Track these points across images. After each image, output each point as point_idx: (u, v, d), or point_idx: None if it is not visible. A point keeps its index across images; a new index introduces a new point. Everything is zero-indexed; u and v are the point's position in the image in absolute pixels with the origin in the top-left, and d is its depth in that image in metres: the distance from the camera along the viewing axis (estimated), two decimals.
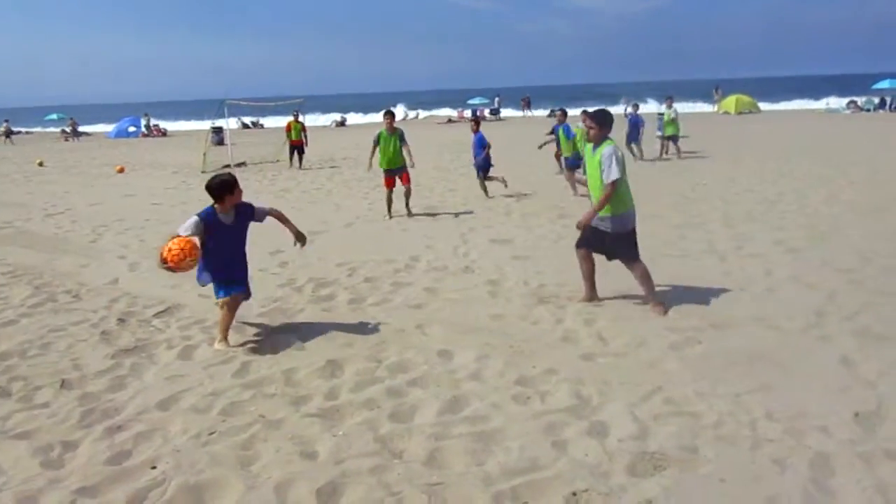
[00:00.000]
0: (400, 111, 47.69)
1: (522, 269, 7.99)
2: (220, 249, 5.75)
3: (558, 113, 14.59)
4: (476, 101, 54.75)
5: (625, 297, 6.81)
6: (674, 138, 19.59)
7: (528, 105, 52.02)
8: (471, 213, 11.97)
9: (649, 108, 38.40)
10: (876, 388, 4.64)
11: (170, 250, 5.38)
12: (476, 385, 4.92)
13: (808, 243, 8.73)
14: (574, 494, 3.54)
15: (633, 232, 6.48)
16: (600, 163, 6.21)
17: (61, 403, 4.82)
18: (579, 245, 6.68)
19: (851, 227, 9.50)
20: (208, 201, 5.79)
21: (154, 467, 3.94)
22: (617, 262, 6.55)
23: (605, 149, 6.24)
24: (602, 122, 6.30)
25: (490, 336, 5.89)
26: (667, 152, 19.73)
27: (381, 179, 12.10)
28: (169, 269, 5.45)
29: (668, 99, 20.68)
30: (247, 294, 6.00)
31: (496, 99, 51.88)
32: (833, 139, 23.17)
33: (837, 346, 5.39)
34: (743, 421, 4.25)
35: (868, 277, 7.11)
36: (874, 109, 39.09)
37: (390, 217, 11.71)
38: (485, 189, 13.63)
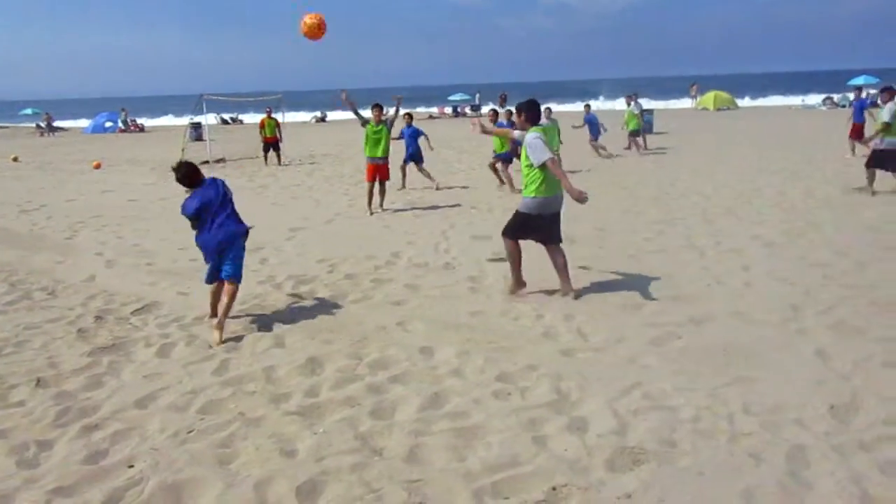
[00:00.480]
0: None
1: (503, 266, 7.99)
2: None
3: (489, 114, 15.35)
4: (457, 97, 54.63)
5: (604, 291, 6.85)
6: (635, 133, 19.82)
7: (504, 101, 52.14)
8: (452, 209, 11.97)
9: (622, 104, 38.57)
10: (850, 381, 4.71)
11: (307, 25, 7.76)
12: (457, 381, 4.93)
13: (785, 238, 8.84)
14: (554, 489, 3.56)
15: (528, 216, 6.66)
16: (525, 150, 6.48)
17: (37, 402, 4.76)
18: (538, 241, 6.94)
19: (826, 223, 9.63)
20: (184, 197, 5.81)
21: (131, 466, 3.90)
22: (599, 257, 6.60)
23: (527, 136, 6.49)
24: (523, 112, 6.63)
25: (471, 332, 5.90)
26: (646, 147, 19.94)
27: (364, 172, 12.20)
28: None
29: (629, 96, 21.02)
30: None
31: (477, 95, 51.87)
32: (809, 135, 23.47)
33: (813, 339, 5.46)
34: (721, 414, 4.29)
35: (842, 272, 7.21)
36: (850, 105, 39.63)
37: (371, 212, 11.70)
38: (428, 176, 14.47)
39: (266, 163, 20.30)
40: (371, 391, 4.80)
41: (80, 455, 4.03)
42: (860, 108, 17.76)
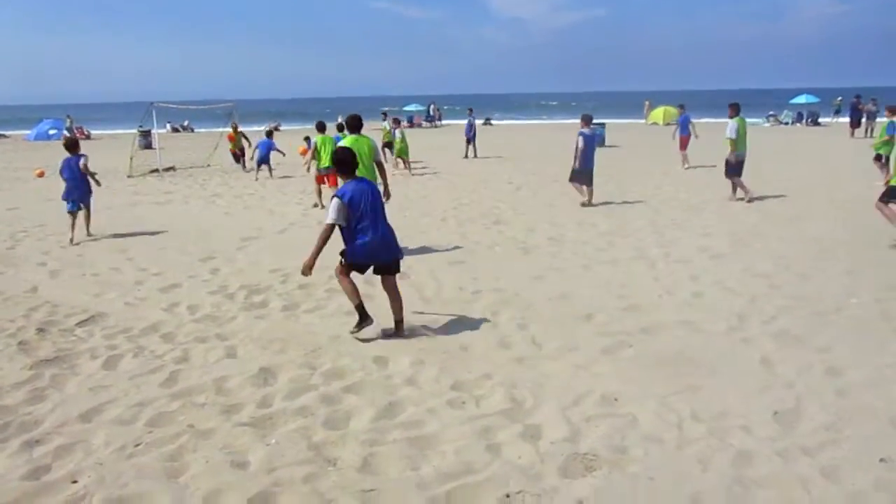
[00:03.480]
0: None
1: (458, 275, 8.04)
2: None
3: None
4: (412, 107, 54.82)
5: (558, 301, 6.94)
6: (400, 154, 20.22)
7: (437, 112, 51.70)
8: (403, 219, 11.97)
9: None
10: (793, 388, 4.86)
11: None
12: (411, 390, 4.92)
13: (731, 250, 9.08)
14: (507, 496, 3.58)
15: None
16: None
17: None
18: None
19: (770, 235, 9.94)
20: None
21: (75, 482, 3.78)
22: (553, 268, 6.66)
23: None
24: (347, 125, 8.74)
25: (425, 341, 5.90)
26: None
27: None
28: None
29: (395, 121, 22.07)
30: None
31: (430, 106, 52.05)
32: (752, 151, 24.15)
33: (758, 348, 5.62)
34: (670, 421, 4.38)
35: (785, 283, 7.45)
36: (791, 123, 41.03)
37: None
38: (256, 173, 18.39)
39: (245, 168, 20.76)
40: (325, 401, 4.76)
41: (20, 471, 3.89)
42: (684, 122, 19.55)
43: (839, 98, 42.77)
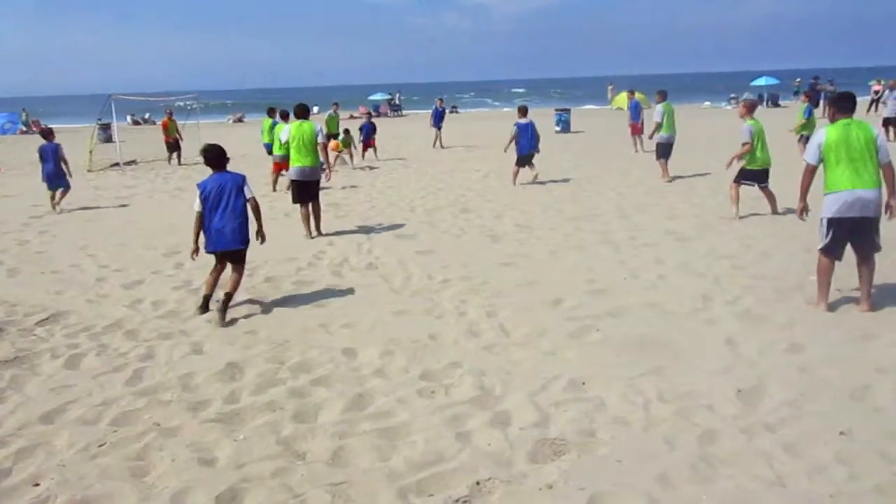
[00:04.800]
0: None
1: (426, 264, 8.03)
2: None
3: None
4: (378, 96, 54.46)
5: (526, 287, 6.96)
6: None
7: (398, 100, 51.27)
8: (373, 209, 11.92)
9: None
10: (756, 367, 4.95)
11: None
12: (381, 381, 4.91)
13: (695, 232, 9.21)
14: (477, 484, 3.59)
15: (292, 181, 9.86)
16: None
17: None
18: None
19: (734, 215, 10.08)
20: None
21: (37, 484, 3.70)
22: (521, 254, 6.66)
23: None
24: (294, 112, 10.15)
25: (394, 332, 5.88)
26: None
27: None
28: None
29: (368, 114, 22.35)
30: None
31: (397, 94, 51.77)
32: (715, 133, 24.47)
33: (722, 328, 5.72)
34: (637, 403, 4.43)
35: (748, 263, 7.58)
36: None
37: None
38: None
39: (169, 162, 20.47)
40: (293, 395, 4.72)
41: None
42: (635, 108, 20.33)
43: (798, 80, 43.54)
